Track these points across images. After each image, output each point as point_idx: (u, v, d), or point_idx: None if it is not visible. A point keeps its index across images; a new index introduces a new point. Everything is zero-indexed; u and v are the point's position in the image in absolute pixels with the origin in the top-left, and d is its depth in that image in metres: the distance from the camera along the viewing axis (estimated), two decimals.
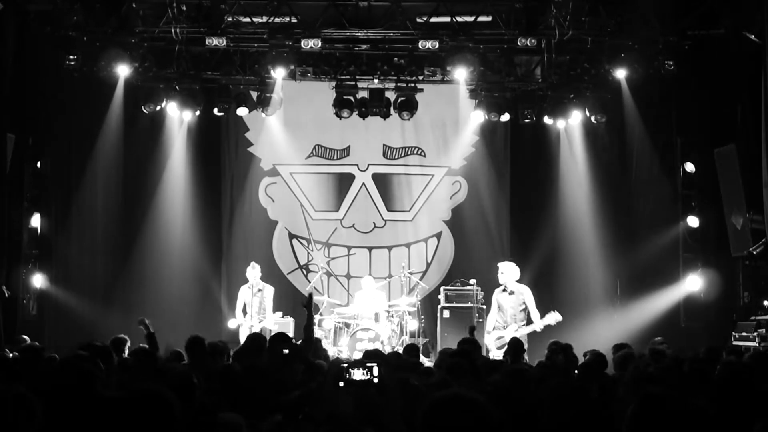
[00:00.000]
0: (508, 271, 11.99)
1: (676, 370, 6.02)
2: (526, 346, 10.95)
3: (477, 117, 14.64)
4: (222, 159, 15.54)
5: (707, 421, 3.18)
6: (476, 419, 2.85)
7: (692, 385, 5.39)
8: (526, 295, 11.91)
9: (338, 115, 14.32)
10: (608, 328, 13.67)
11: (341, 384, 4.06)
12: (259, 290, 13.02)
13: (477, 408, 2.87)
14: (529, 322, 11.78)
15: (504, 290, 11.93)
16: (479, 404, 2.87)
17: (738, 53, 12.53)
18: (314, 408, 4.39)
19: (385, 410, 3.99)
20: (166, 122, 14.81)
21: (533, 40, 12.84)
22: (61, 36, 12.98)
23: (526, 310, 11.84)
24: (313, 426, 4.17)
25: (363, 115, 14.45)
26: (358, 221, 15.62)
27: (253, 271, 13.06)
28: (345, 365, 4.12)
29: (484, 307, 13.15)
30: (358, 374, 4.05)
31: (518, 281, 12.10)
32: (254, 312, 12.91)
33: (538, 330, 11.59)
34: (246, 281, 13.19)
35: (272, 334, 12.52)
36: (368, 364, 4.06)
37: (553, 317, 11.60)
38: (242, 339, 12.51)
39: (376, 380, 4.05)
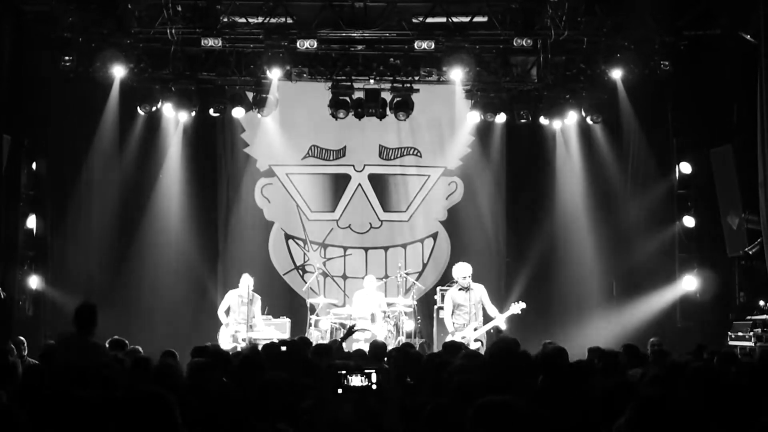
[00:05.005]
0: (469, 272, 12.21)
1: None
2: (484, 342, 11.67)
3: (473, 117, 14.62)
4: (218, 160, 15.48)
5: (704, 423, 3.18)
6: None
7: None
8: (482, 292, 12.19)
9: (334, 115, 14.28)
10: (604, 328, 13.68)
11: (339, 391, 3.99)
12: (250, 300, 12.94)
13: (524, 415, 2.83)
14: (486, 318, 12.05)
15: (461, 289, 12.15)
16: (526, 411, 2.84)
17: (734, 53, 12.55)
18: (314, 415, 4.34)
19: (386, 416, 3.93)
20: (161, 123, 14.73)
21: (529, 41, 12.84)
22: (57, 37, 12.94)
23: (482, 306, 12.13)
24: None
25: (359, 116, 14.41)
26: (354, 222, 15.58)
27: (246, 281, 13.02)
28: (343, 372, 4.04)
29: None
30: (356, 380, 3.97)
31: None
32: (241, 319, 12.87)
33: (504, 322, 11.82)
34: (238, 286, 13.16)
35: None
36: (366, 371, 3.98)
37: (518, 306, 11.83)
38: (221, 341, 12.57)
39: (374, 387, 3.98)
